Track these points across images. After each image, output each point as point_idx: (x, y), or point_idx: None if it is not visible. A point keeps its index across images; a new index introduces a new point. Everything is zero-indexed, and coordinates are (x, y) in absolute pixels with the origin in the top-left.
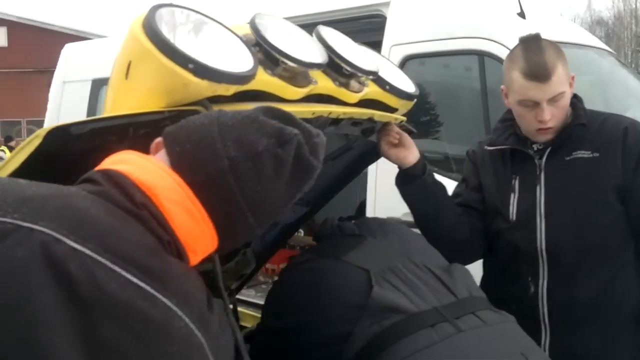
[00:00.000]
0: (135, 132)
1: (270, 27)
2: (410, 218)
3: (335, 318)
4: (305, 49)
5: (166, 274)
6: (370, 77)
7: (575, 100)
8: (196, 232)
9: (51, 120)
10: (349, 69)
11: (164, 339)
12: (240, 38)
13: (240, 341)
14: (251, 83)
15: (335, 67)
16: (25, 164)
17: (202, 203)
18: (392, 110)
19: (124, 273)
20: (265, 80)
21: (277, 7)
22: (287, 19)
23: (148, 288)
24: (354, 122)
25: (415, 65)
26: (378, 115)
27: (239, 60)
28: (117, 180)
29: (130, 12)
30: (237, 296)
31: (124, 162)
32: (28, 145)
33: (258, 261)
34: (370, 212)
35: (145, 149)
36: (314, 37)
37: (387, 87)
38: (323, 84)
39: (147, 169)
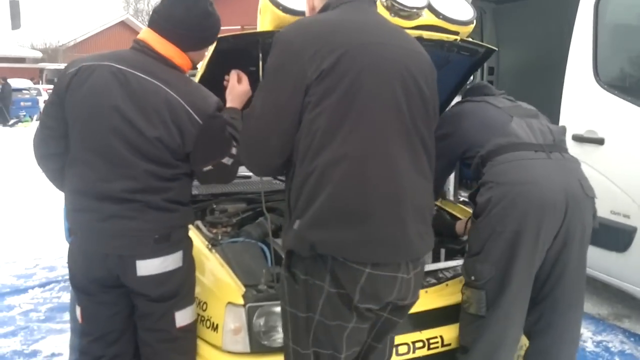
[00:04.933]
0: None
1: None
2: None
3: (482, 133)
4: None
5: None
6: (422, 9)
7: None
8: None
9: None
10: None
11: None
12: None
13: None
14: None
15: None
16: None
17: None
18: (455, 33)
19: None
20: None
21: None
22: None
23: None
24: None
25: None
26: (426, 34)
27: None
28: None
29: None
30: None
31: None
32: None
33: None
34: None
35: None
36: None
37: (440, 16)
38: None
39: None
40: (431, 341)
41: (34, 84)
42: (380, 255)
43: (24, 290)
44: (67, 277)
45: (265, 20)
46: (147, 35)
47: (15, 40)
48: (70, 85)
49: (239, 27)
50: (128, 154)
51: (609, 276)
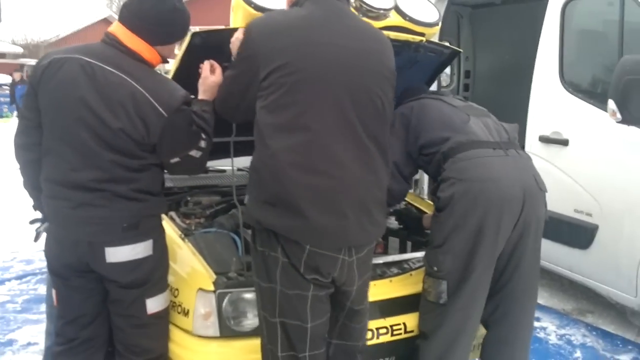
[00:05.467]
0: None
1: None
2: None
3: (442, 130)
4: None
5: None
6: (389, 11)
7: None
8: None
9: None
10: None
11: None
12: None
13: None
14: None
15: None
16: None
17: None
18: (420, 34)
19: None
20: None
21: None
22: None
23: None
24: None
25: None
26: (392, 35)
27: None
28: None
29: None
30: None
31: None
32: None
33: None
34: None
35: None
36: None
37: (407, 17)
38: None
39: None
40: (394, 328)
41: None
42: (315, 242)
43: (1, 282)
44: (44, 269)
45: (238, 17)
46: (116, 29)
47: None
48: (42, 77)
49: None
50: (94, 144)
51: (572, 272)
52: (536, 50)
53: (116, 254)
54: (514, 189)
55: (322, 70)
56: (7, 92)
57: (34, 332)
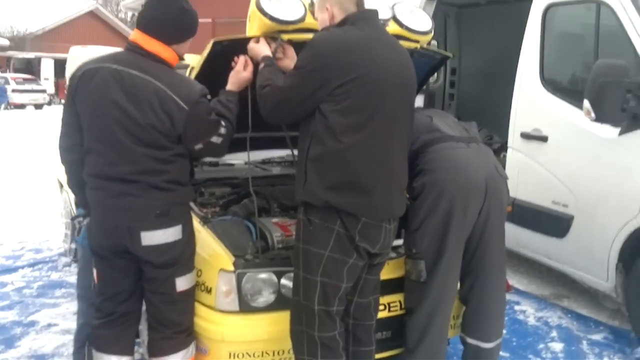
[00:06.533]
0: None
1: None
2: None
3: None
4: None
5: None
6: (388, 21)
7: None
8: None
9: None
10: None
11: None
12: (303, 3)
13: None
14: (303, 23)
15: None
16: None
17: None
18: (415, 41)
19: None
20: (312, 22)
21: None
22: None
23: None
24: None
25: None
26: None
27: (297, 12)
28: None
29: None
30: None
31: None
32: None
33: None
34: None
35: None
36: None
37: (404, 27)
38: None
39: None
40: (391, 305)
41: (1, 72)
42: (371, 215)
43: (15, 269)
44: (54, 258)
45: (254, 26)
46: (136, 36)
47: None
48: (78, 86)
49: (210, 20)
50: (127, 141)
51: (550, 259)
52: (519, 50)
53: (150, 238)
54: (478, 176)
55: (385, 84)
56: None
57: (53, 315)
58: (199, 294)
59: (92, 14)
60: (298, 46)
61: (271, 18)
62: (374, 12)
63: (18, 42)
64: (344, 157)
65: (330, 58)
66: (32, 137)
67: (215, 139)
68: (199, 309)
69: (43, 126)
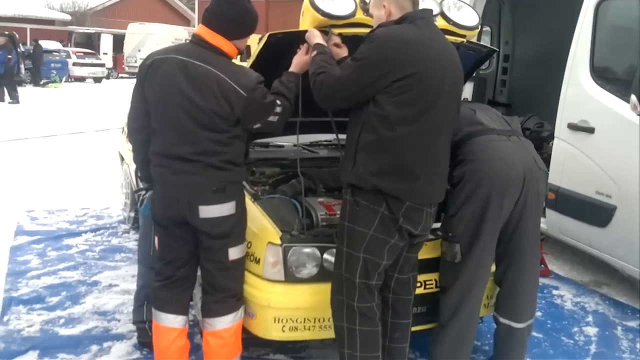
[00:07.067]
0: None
1: None
2: None
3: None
4: None
5: None
6: (436, 17)
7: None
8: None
9: None
10: None
11: None
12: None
13: None
14: (354, 18)
15: None
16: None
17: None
18: (462, 36)
19: None
20: (362, 17)
21: None
22: None
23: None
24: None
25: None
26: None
27: (348, 8)
28: None
29: None
30: None
31: None
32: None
33: None
34: None
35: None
36: None
37: (451, 22)
38: None
39: None
40: (427, 283)
41: (63, 46)
42: (416, 199)
43: (78, 233)
44: (114, 225)
45: (306, 20)
46: (200, 30)
47: (44, 2)
48: (147, 74)
49: None
50: (190, 124)
51: (591, 248)
52: (572, 39)
53: (207, 211)
54: (516, 168)
55: (439, 81)
56: (57, 58)
57: (113, 276)
58: (249, 264)
59: None
60: (348, 40)
61: (323, 13)
62: (430, 12)
63: (79, 17)
64: (395, 146)
65: (391, 52)
66: (92, 109)
67: (272, 118)
68: (248, 277)
69: (102, 99)
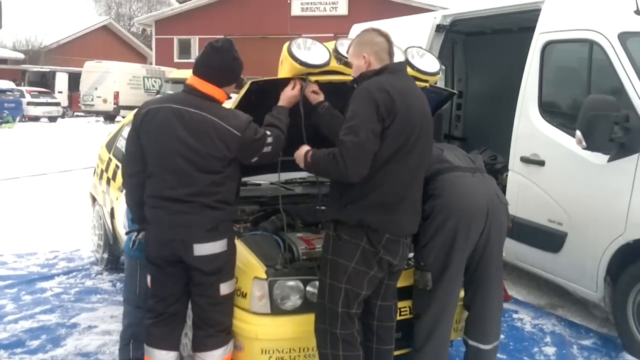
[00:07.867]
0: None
1: (345, 42)
2: None
3: None
4: None
5: None
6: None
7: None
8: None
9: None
10: None
11: None
12: (328, 49)
13: None
14: (328, 66)
15: None
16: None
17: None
18: (425, 81)
19: None
20: (336, 65)
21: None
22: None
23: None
24: None
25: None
26: None
27: (323, 57)
28: None
29: None
30: None
31: None
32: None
33: None
34: None
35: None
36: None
37: (415, 69)
38: None
39: None
40: (402, 310)
41: (16, 85)
42: (395, 231)
43: (51, 277)
44: (86, 266)
45: (285, 69)
46: (192, 80)
47: None
48: (142, 122)
49: (222, 36)
50: (187, 168)
51: (546, 272)
52: (522, 76)
53: (201, 249)
54: (480, 202)
55: (416, 125)
56: (10, 97)
57: (92, 318)
58: (236, 299)
59: (105, 29)
60: (323, 85)
61: (300, 62)
62: (405, 64)
63: (33, 55)
64: (380, 182)
65: (381, 103)
66: (51, 149)
67: (266, 149)
68: (236, 311)
69: (59, 138)
